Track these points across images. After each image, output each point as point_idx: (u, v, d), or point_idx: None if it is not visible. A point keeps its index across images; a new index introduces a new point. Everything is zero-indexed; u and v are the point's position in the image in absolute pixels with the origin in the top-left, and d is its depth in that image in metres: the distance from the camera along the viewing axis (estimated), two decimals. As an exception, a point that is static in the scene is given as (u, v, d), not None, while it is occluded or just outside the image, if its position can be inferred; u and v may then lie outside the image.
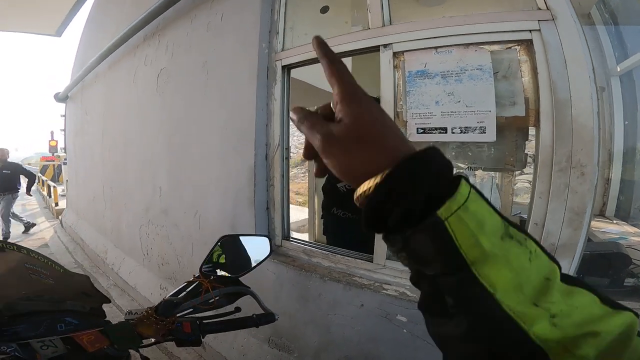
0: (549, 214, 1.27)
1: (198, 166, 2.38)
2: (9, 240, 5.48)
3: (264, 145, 1.87)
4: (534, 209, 1.31)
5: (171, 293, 0.97)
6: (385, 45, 1.54)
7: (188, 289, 1.00)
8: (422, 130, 1.54)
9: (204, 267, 1.02)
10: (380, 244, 1.54)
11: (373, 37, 1.57)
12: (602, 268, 1.43)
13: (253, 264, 1.08)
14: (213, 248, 1.02)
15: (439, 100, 1.51)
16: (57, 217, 7.91)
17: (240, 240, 1.12)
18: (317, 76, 2.89)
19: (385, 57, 1.54)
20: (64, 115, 13.45)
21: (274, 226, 1.92)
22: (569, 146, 1.26)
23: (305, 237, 3.92)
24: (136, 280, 3.28)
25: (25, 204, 11.09)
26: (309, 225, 4.62)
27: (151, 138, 3.05)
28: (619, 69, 2.46)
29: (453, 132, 1.49)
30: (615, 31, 2.50)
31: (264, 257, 1.10)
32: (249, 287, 1.04)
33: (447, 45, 1.47)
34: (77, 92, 6.01)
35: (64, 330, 0.89)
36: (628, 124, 2.48)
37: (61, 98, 7.04)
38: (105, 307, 1.00)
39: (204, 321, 0.94)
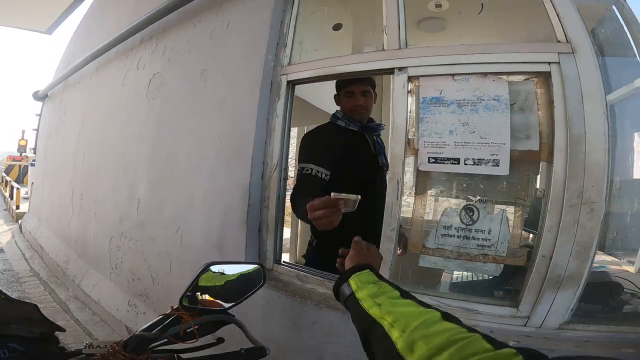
0: (557, 247, 1.27)
1: (184, 180, 2.23)
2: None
3: (261, 164, 1.77)
4: (543, 242, 1.30)
5: (143, 327, 0.84)
6: (400, 69, 1.49)
7: (164, 323, 0.86)
8: (433, 160, 1.47)
9: (184, 298, 0.87)
10: (381, 272, 1.45)
11: (388, 59, 1.52)
12: (601, 296, 1.44)
13: (243, 296, 0.97)
14: (197, 277, 0.89)
15: (453, 129, 1.45)
16: (17, 221, 7.34)
17: (227, 268, 0.99)
18: (315, 94, 2.83)
19: (400, 80, 1.49)
20: (39, 115, 12.86)
21: (265, 249, 1.79)
22: (581, 183, 1.25)
23: (286, 257, 3.76)
24: (100, 294, 3.00)
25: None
26: (291, 246, 4.50)
27: (133, 145, 2.86)
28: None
29: (466, 164, 1.43)
30: (602, 63, 2.59)
31: (255, 288, 1.00)
32: (234, 316, 0.93)
33: (465, 73, 1.43)
34: (57, 91, 5.72)
35: (7, 358, 0.74)
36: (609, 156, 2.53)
37: (40, 97, 6.71)
38: (62, 323, 0.83)
39: (182, 355, 0.82)
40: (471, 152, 1.42)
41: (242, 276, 1.01)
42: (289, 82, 1.79)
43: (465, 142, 1.43)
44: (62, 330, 0.88)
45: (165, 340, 0.85)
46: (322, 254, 1.79)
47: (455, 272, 1.60)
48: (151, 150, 2.62)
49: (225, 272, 0.96)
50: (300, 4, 1.91)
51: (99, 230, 3.26)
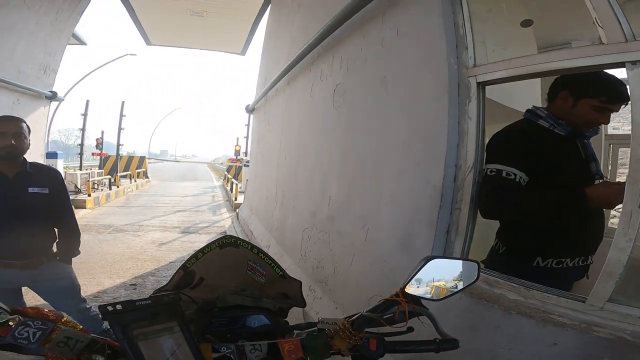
0: None
1: (372, 180, 2.40)
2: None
3: (454, 166, 1.75)
4: None
5: (368, 309, 0.93)
6: (634, 62, 1.22)
7: (384, 307, 0.94)
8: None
9: (406, 287, 0.93)
10: (603, 284, 1.29)
11: (612, 54, 1.28)
12: None
13: (456, 289, 0.98)
14: (418, 268, 0.93)
15: None
16: (235, 210, 9.55)
17: (444, 263, 1.02)
18: (505, 94, 2.60)
19: (635, 75, 1.22)
20: (247, 125, 16.31)
21: (452, 251, 1.76)
22: None
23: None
24: (289, 277, 3.57)
25: (214, 195, 14.00)
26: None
27: (325, 149, 3.27)
28: None
29: None
30: None
31: (469, 283, 0.99)
32: (427, 308, 0.94)
33: None
34: (261, 104, 7.16)
35: (258, 328, 0.94)
36: None
37: (250, 109, 8.53)
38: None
39: (386, 339, 0.87)
40: None
41: (456, 271, 1.01)
42: (479, 83, 1.71)
43: None
44: (303, 306, 1.08)
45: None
46: (511, 261, 1.65)
47: None
48: (341, 153, 2.93)
49: (441, 267, 0.97)
50: (469, 4, 1.82)
51: (295, 221, 3.89)
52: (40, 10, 6.13)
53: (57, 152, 9.90)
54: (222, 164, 38.97)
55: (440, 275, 0.97)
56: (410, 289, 0.92)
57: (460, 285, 0.98)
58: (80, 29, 8.48)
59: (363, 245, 2.40)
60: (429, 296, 0.94)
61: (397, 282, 1.90)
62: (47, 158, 8.37)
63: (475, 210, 1.69)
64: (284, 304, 1.08)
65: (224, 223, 8.34)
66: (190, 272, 0.91)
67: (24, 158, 1.97)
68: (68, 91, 11.16)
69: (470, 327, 1.56)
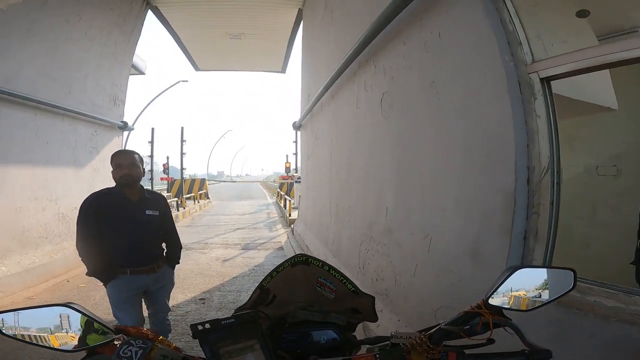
0: None
1: (431, 189, 2.34)
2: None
3: (526, 168, 1.65)
4: None
5: (447, 322, 0.89)
6: None
7: (464, 319, 0.89)
8: None
9: (490, 297, 0.87)
10: None
11: None
12: None
13: (547, 298, 0.91)
14: (502, 278, 0.88)
15: None
16: (289, 226, 9.77)
17: (531, 272, 0.94)
18: (572, 87, 2.44)
19: None
20: (295, 141, 16.71)
21: (531, 258, 1.64)
22: None
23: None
24: (346, 290, 3.53)
25: (269, 212, 14.48)
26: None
27: (377, 159, 3.25)
28: None
29: None
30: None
31: (563, 292, 0.92)
32: (511, 319, 0.87)
33: None
34: (307, 121, 7.33)
35: (326, 343, 0.94)
36: None
37: (297, 126, 8.76)
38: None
39: (466, 351, 0.83)
40: None
41: (546, 279, 0.94)
42: (542, 79, 1.63)
43: None
44: (375, 320, 1.06)
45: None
46: None
47: None
48: (395, 163, 2.89)
49: (529, 276, 0.91)
50: (512, 0, 1.77)
51: (351, 234, 3.87)
52: (100, 41, 6.69)
53: None
54: (274, 181, 40.31)
55: (526, 285, 0.91)
56: (494, 300, 0.87)
57: (549, 295, 0.91)
58: (136, 59, 9.27)
59: (426, 256, 2.32)
60: (514, 307, 0.89)
61: (466, 293, 1.84)
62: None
63: (556, 214, 1.58)
64: (353, 318, 1.08)
65: (280, 239, 8.57)
66: (265, 290, 0.95)
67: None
68: (135, 120, 12.36)
69: (559, 337, 1.47)
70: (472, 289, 1.79)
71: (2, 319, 0.72)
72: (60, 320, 0.76)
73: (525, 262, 1.65)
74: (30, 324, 0.75)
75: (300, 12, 8.30)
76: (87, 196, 2.27)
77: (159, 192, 2.61)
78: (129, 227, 2.21)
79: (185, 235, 9.16)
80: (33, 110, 5.13)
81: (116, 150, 2.93)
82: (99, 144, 7.00)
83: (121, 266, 2.21)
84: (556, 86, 1.69)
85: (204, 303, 4.24)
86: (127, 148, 2.39)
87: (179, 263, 2.56)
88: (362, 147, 3.74)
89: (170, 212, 2.58)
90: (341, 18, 4.72)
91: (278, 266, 0.96)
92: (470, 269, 1.88)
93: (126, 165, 2.21)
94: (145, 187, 2.39)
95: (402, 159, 2.77)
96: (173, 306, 4.12)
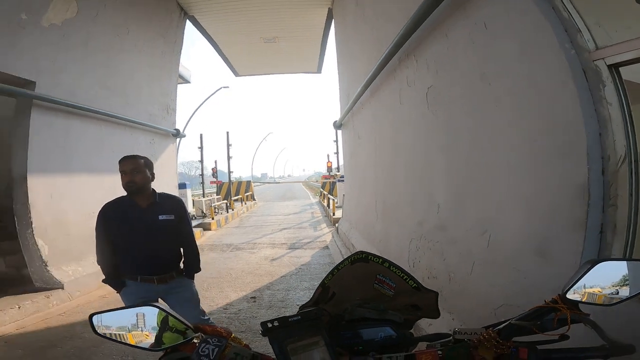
0: None
1: (488, 183, 2.23)
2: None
3: (599, 159, 1.54)
4: None
5: (517, 317, 0.86)
6: None
7: (536, 314, 0.85)
8: None
9: (567, 292, 0.83)
10: None
11: None
12: None
13: (630, 293, 0.85)
14: (581, 272, 0.82)
15: None
16: (334, 225, 9.80)
17: (614, 266, 0.87)
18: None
19: None
20: (336, 141, 16.72)
21: (609, 253, 1.51)
22: None
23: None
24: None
25: (313, 212, 14.65)
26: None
27: (424, 155, 3.16)
28: None
29: None
30: None
31: None
32: (588, 315, 0.83)
33: None
34: (348, 119, 7.30)
35: (383, 340, 0.93)
36: None
37: (337, 126, 8.75)
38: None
39: (540, 346, 0.79)
40: None
41: (629, 274, 0.87)
42: (609, 66, 1.55)
43: None
44: (437, 317, 1.03)
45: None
46: None
47: None
48: (446, 158, 2.79)
49: (610, 270, 0.85)
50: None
51: (400, 232, 3.79)
52: (148, 52, 7.13)
53: (186, 183, 12.01)
54: (316, 181, 40.71)
55: (606, 279, 0.85)
56: (571, 295, 0.83)
57: (631, 290, 0.84)
58: (181, 68, 9.76)
59: (484, 253, 2.22)
60: (592, 302, 0.84)
61: (532, 291, 1.74)
62: (179, 189, 9.93)
63: (637, 206, 1.44)
64: (411, 315, 1.06)
65: (325, 238, 8.62)
66: (327, 287, 0.96)
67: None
68: (185, 127, 13.08)
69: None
70: (539, 286, 1.69)
71: (100, 319, 0.79)
72: (137, 319, 0.80)
73: (603, 258, 1.52)
74: (113, 322, 0.80)
75: (330, 11, 8.32)
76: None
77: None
78: (139, 235, 2.15)
79: (235, 236, 9.56)
80: (98, 122, 5.62)
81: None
82: (156, 151, 7.48)
83: (132, 273, 2.18)
84: (626, 73, 1.58)
85: (254, 301, 4.38)
86: (134, 154, 2.33)
87: (199, 271, 2.43)
88: (407, 144, 3.65)
89: (188, 215, 2.45)
90: (373, 15, 4.65)
91: (339, 264, 0.96)
92: (536, 265, 1.77)
93: (129, 171, 2.13)
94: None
95: (453, 154, 2.67)
96: (227, 304, 4.32)
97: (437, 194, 2.93)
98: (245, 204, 17.16)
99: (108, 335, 0.78)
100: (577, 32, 1.65)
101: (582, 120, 1.56)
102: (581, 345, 0.78)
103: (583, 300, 0.84)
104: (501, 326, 0.84)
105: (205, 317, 2.44)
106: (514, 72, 2.00)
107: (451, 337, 0.89)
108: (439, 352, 0.82)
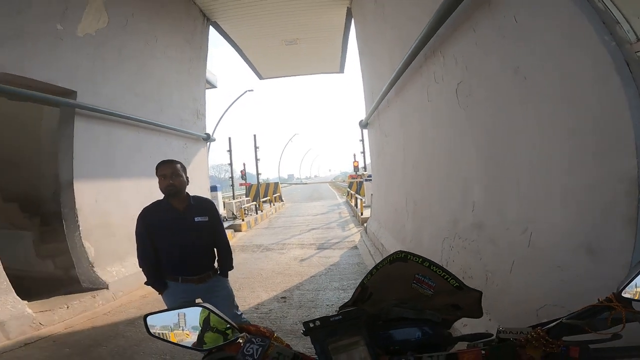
0: None
1: (530, 180, 2.15)
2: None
3: None
4: None
5: (568, 316, 0.84)
6: None
7: (589, 313, 0.82)
8: None
9: (622, 291, 0.79)
10: None
11: None
12: None
13: None
14: (638, 271, 0.78)
15: None
16: (362, 224, 9.71)
17: None
18: None
19: None
20: (362, 140, 16.59)
21: None
22: None
23: None
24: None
25: (341, 212, 14.62)
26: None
27: (458, 151, 3.08)
28: None
29: None
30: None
31: None
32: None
33: None
34: (374, 118, 7.22)
35: (420, 340, 0.91)
36: None
37: (363, 125, 8.67)
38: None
39: (591, 346, 0.77)
40: None
41: None
42: None
43: None
44: (479, 316, 1.00)
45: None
46: None
47: None
48: (482, 155, 2.71)
49: None
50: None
51: (432, 231, 3.70)
52: (176, 59, 7.36)
53: (217, 185, 12.39)
54: (343, 181, 40.59)
55: None
56: (626, 293, 0.79)
57: None
58: (208, 74, 9.99)
59: (526, 252, 2.14)
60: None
61: (579, 291, 1.68)
62: (210, 191, 10.24)
63: None
64: (451, 315, 1.03)
65: (353, 238, 8.56)
66: (365, 287, 0.96)
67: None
68: (213, 131, 13.44)
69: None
70: (587, 285, 1.61)
71: (153, 320, 0.83)
72: (178, 319, 0.84)
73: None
74: (164, 322, 0.84)
75: (349, 10, 8.26)
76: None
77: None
78: (178, 237, 2.22)
79: (264, 236, 9.71)
80: (135, 128, 5.89)
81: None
82: (189, 155, 7.73)
83: (173, 274, 2.26)
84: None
85: (285, 301, 4.41)
86: (170, 158, 2.40)
87: (232, 269, 2.51)
88: (438, 140, 3.56)
89: (219, 215, 2.54)
90: (394, 13, 4.57)
91: (378, 264, 0.96)
92: (583, 264, 1.68)
93: (169, 175, 2.22)
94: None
95: (490, 150, 2.59)
96: (258, 304, 4.39)
97: (472, 192, 2.84)
98: (274, 205, 17.39)
99: (160, 335, 0.82)
100: (615, 24, 1.61)
101: (629, 112, 1.49)
102: (634, 344, 0.76)
103: (636, 298, 0.80)
104: (550, 325, 0.82)
105: (239, 313, 2.51)
106: (550, 65, 1.94)
107: (494, 337, 0.88)
108: (482, 351, 0.81)
